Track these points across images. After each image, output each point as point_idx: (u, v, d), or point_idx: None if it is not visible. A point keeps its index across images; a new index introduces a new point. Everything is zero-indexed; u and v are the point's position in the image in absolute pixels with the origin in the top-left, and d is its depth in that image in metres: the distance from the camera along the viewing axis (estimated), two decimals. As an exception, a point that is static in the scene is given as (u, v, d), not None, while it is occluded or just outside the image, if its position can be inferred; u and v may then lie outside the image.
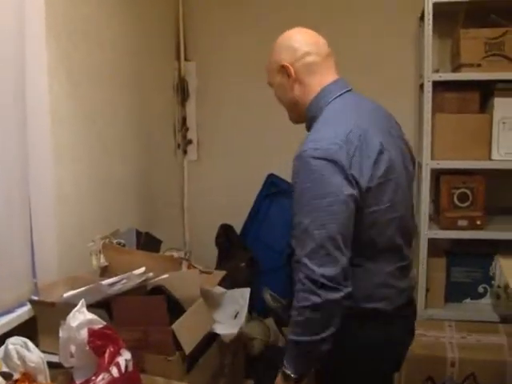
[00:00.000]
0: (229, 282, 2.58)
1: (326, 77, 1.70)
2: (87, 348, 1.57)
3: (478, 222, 3.05)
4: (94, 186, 2.56)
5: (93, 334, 1.56)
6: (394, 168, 1.60)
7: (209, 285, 2.17)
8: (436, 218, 3.21)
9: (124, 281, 1.87)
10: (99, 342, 1.56)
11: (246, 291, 2.40)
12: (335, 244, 1.46)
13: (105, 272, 2.20)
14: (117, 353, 1.55)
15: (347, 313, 1.51)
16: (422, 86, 3.10)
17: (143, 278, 1.94)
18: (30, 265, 2.16)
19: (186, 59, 3.72)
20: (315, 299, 1.45)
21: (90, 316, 1.60)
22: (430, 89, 2.96)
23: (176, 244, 3.62)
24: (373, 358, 1.62)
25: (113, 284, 1.82)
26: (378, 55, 3.44)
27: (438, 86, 3.00)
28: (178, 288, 2.04)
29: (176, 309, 1.99)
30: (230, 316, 2.23)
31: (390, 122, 1.74)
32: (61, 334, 1.59)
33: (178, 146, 3.73)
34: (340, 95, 1.68)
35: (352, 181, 1.49)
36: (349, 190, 1.48)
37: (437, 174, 3.17)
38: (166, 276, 1.98)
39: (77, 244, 2.32)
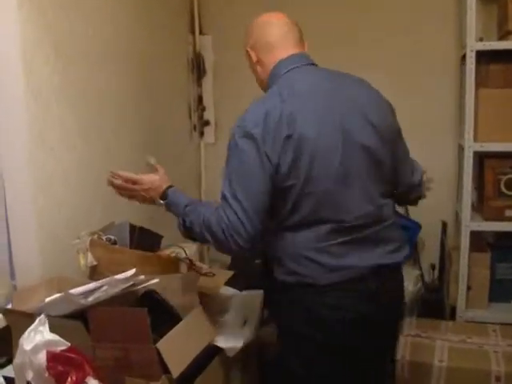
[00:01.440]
0: (242, 282, 2.29)
1: (279, 53, 1.77)
2: (47, 375, 1.28)
3: (528, 213, 2.69)
4: (89, 174, 2.27)
5: (52, 358, 1.28)
6: (315, 144, 1.61)
7: (211, 288, 1.86)
8: (479, 207, 2.84)
9: (105, 287, 1.57)
10: (61, 367, 1.27)
11: (259, 294, 2.08)
12: (246, 215, 1.60)
13: (94, 272, 1.90)
14: (81, 382, 1.27)
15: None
16: (463, 58, 2.72)
17: (130, 283, 1.64)
18: (8, 264, 1.90)
19: (201, 33, 3.39)
20: (220, 236, 1.62)
21: (50, 336, 1.31)
22: (474, 60, 2.58)
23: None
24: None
25: (89, 292, 1.53)
26: (414, 24, 3.06)
27: (481, 56, 2.62)
28: (173, 293, 1.74)
29: (171, 318, 1.70)
30: (238, 324, 1.92)
31: (352, 100, 1.70)
32: (15, 360, 1.31)
33: (194, 127, 3.42)
34: (291, 69, 1.74)
35: (267, 156, 1.59)
36: (263, 165, 1.59)
37: (480, 158, 2.79)
38: (156, 280, 1.67)
39: (65, 240, 2.03)
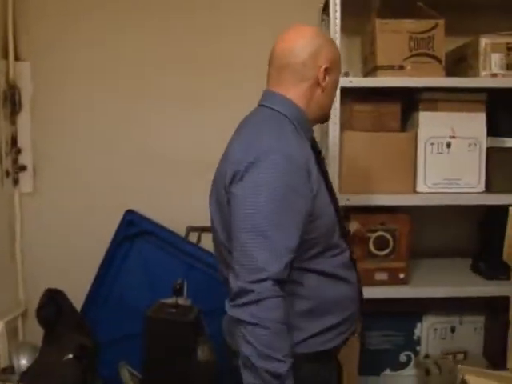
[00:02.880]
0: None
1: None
2: None
3: (402, 276, 2.32)
4: None
5: None
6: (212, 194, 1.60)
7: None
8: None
9: None
10: None
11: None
12: None
13: None
14: None
15: None
16: (326, 96, 2.33)
17: None
18: None
19: (16, 58, 2.77)
20: None
21: None
22: (338, 98, 2.20)
23: (6, 305, 2.68)
24: None
25: None
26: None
27: (346, 95, 2.24)
28: None
29: None
30: None
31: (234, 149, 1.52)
32: None
33: (7, 173, 2.76)
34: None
35: None
36: None
37: (346, 213, 2.40)
38: None
39: None
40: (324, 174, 1.63)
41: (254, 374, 1.33)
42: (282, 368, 1.33)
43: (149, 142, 2.80)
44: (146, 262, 2.65)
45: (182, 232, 2.78)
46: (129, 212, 2.68)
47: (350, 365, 2.13)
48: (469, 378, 1.33)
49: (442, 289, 2.32)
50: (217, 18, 2.74)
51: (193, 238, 2.81)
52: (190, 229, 2.80)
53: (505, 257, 1.44)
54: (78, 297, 2.67)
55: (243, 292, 1.33)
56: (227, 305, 1.40)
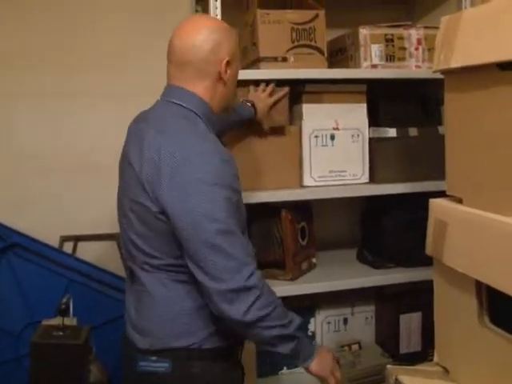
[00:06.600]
0: None
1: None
2: None
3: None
4: None
5: None
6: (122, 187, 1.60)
7: None
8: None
9: None
10: None
11: None
12: None
13: None
14: None
15: None
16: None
17: None
18: None
19: None
20: None
21: None
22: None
23: None
24: None
25: None
26: (134, 50, 2.57)
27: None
28: None
29: None
30: None
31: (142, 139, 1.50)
32: None
33: None
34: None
35: None
36: None
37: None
38: None
39: None
40: None
41: (290, 340, 1.49)
42: (297, 318, 1.54)
43: (12, 142, 2.55)
44: (18, 279, 2.40)
45: (54, 242, 2.56)
46: (-8, 224, 2.42)
47: (248, 368, 2.06)
48: (402, 378, 1.29)
49: (333, 283, 2.29)
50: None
51: (67, 248, 2.59)
52: (64, 238, 2.59)
53: (429, 251, 1.41)
54: None
55: (243, 291, 1.39)
56: (226, 313, 1.40)
